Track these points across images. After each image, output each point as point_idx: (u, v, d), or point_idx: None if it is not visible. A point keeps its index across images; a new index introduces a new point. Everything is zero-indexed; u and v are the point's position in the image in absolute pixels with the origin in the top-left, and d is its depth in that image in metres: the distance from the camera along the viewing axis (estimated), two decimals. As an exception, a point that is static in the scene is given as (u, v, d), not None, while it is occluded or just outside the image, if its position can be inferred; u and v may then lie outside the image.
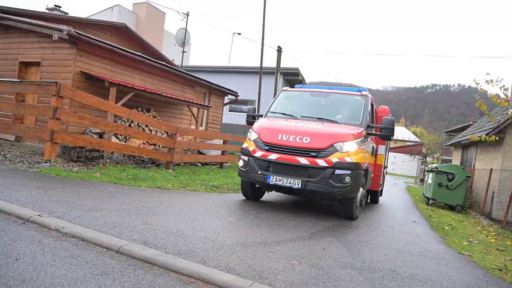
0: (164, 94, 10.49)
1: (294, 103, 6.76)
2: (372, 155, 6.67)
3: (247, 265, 2.78)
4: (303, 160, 5.05)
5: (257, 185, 5.93)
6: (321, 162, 4.98)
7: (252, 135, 5.63)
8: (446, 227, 6.79)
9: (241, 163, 5.62)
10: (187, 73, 12.30)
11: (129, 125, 9.46)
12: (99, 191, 4.86)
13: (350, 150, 5.12)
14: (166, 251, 2.78)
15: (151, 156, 8.64)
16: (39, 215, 3.14)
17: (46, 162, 6.33)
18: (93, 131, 8.69)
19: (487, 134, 8.95)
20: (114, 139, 8.72)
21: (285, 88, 7.09)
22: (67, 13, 15.38)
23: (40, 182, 4.79)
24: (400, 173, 42.70)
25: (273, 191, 6.12)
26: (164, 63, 11.42)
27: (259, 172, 5.26)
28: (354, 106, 6.22)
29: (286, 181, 5.04)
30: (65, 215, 3.36)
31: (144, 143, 9.89)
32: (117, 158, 8.58)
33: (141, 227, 3.37)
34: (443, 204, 11.18)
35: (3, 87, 7.16)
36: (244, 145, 5.70)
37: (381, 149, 7.83)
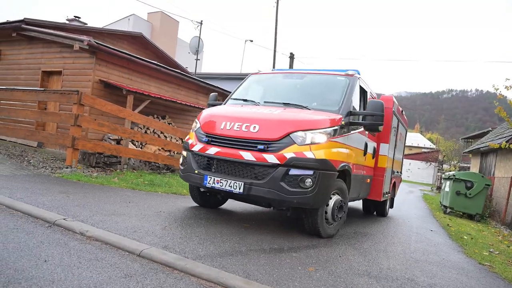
0: (179, 101, 10.68)
1: (263, 87, 5.55)
2: (365, 155, 5.38)
3: (264, 271, 2.82)
4: (247, 155, 3.84)
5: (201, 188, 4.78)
6: (270, 158, 3.75)
7: (196, 125, 4.55)
8: (465, 237, 6.65)
9: (180, 159, 4.60)
10: (200, 81, 12.50)
11: (145, 132, 9.66)
12: (118, 196, 4.99)
13: (315, 142, 3.87)
14: (185, 256, 2.84)
15: (166, 162, 8.78)
16: (64, 219, 3.26)
17: (67, 168, 6.53)
18: (111, 137, 8.91)
19: (507, 141, 8.76)
20: (131, 146, 8.92)
21: (255, 71, 5.91)
22: (86, 24, 15.87)
23: (63, 187, 4.96)
24: (415, 180, 41.93)
25: (223, 196, 5.07)
26: (179, 71, 11.65)
27: (196, 171, 4.15)
28: (334, 89, 4.84)
29: (225, 184, 3.88)
30: (88, 219, 3.48)
31: (159, 149, 10.07)
32: (133, 164, 8.76)
33: (161, 232, 3.44)
34: (461, 213, 10.94)
35: (27, 96, 7.45)
36: (186, 138, 4.68)
37: (384, 148, 6.31)
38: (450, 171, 26.26)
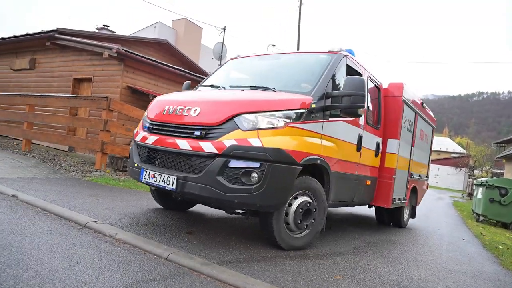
0: (204, 106, 10.82)
1: (237, 71, 4.93)
2: (359, 150, 4.50)
3: (291, 278, 2.77)
4: (183, 144, 3.23)
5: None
6: (207, 147, 3.09)
7: (145, 112, 4.04)
8: (500, 247, 6.31)
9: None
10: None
11: (171, 136, 9.84)
12: (145, 199, 5.08)
13: (267, 128, 3.14)
14: (211, 261, 2.84)
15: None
16: (94, 221, 3.36)
17: (96, 171, 6.74)
18: (137, 142, 9.15)
19: (545, 146, 8.26)
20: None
21: (235, 56, 5.27)
22: (114, 32, 16.44)
23: (93, 190, 5.12)
24: (444, 186, 40.43)
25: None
26: (203, 77, 11.83)
27: (136, 165, 3.65)
28: (312, 68, 4.08)
29: (159, 178, 3.29)
30: (117, 222, 3.56)
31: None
32: (159, 168, 8.93)
33: (187, 236, 3.47)
34: (495, 221, 10.41)
35: (60, 102, 7.79)
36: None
37: (393, 145, 5.37)
38: (482, 177, 25.11)
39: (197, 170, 3.17)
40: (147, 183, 3.45)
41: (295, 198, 3.46)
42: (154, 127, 3.61)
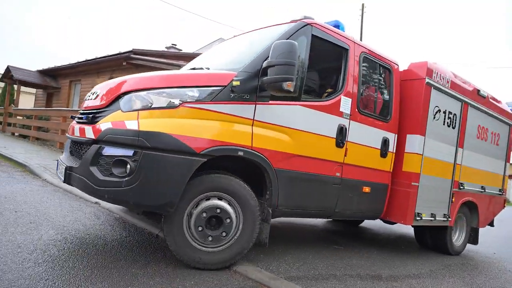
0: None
1: (206, 56, 4.28)
2: (341, 147, 3.49)
3: (363, 300, 2.62)
4: (76, 130, 2.95)
5: None
6: (88, 132, 2.71)
7: None
8: None
9: None
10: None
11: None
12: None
13: (154, 107, 2.59)
14: (279, 275, 2.81)
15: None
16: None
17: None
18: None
19: None
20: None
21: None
22: (181, 50, 17.62)
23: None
24: (531, 204, 35.59)
25: None
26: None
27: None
28: (260, 43, 3.30)
29: (60, 170, 2.99)
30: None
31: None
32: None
33: (255, 248, 3.49)
34: None
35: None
36: None
37: (414, 142, 4.16)
38: None
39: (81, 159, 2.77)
40: (58, 177, 3.10)
41: (204, 200, 2.74)
42: (77, 116, 3.30)
